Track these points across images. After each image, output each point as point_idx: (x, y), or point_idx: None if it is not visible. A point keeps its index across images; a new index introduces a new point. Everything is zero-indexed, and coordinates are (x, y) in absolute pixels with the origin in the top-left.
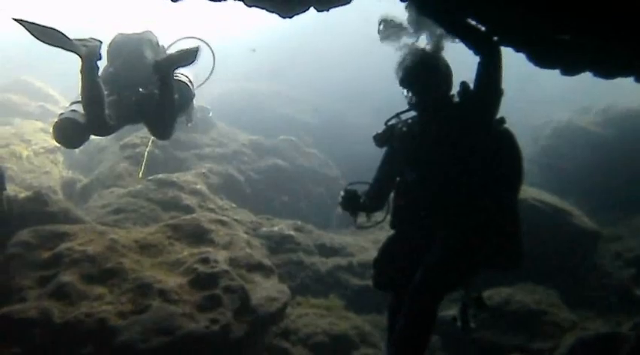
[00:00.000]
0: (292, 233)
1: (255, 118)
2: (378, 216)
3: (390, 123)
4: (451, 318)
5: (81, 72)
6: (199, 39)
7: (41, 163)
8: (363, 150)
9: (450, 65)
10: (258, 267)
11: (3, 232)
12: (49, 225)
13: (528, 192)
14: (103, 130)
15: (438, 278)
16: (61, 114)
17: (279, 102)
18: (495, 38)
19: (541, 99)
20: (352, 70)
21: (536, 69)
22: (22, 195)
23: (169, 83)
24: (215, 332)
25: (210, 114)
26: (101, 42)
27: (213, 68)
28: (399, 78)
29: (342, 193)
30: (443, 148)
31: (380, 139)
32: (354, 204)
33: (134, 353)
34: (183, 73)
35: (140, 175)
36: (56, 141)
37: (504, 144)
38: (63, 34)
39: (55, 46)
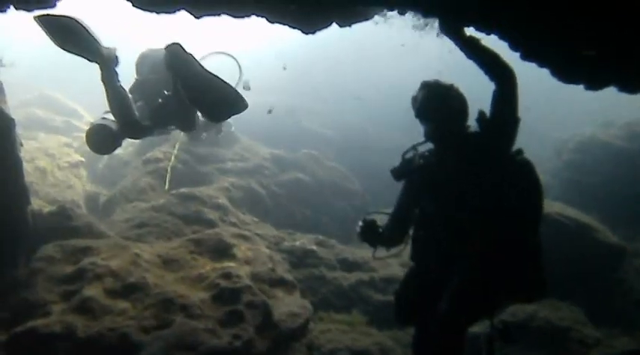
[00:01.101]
0: (314, 247)
1: (277, 132)
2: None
3: (406, 155)
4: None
5: (102, 80)
6: (228, 54)
7: (65, 177)
8: (384, 165)
9: (465, 96)
10: (280, 282)
11: (27, 247)
12: (72, 240)
13: (552, 206)
14: (136, 131)
15: (462, 311)
16: (92, 123)
17: (301, 115)
18: (518, 53)
19: (565, 113)
20: (374, 84)
21: (559, 84)
22: (47, 209)
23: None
24: (237, 348)
25: (233, 129)
26: (115, 48)
27: (238, 83)
28: (415, 111)
29: (360, 223)
30: (460, 180)
31: (397, 173)
32: (372, 234)
33: None
34: None
35: (167, 188)
36: (89, 147)
37: (523, 175)
38: (81, 23)
39: (74, 52)
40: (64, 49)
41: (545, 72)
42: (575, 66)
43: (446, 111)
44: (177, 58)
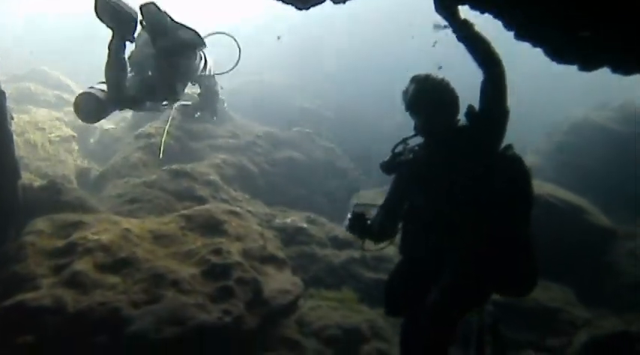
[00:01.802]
0: (305, 225)
1: (271, 110)
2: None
3: (396, 149)
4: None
5: (109, 47)
6: (227, 34)
7: (56, 152)
8: (378, 145)
9: (455, 90)
10: (271, 259)
11: (17, 220)
12: (63, 214)
13: (544, 188)
14: (123, 104)
15: (453, 304)
16: (82, 90)
17: (295, 94)
18: (512, 33)
19: (558, 95)
20: (373, 65)
21: (552, 65)
22: (37, 183)
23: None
24: (227, 324)
25: (225, 105)
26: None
27: (238, 61)
28: (405, 105)
29: (348, 215)
30: (450, 174)
31: (387, 167)
32: (360, 226)
33: (146, 343)
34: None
35: (160, 156)
36: (76, 114)
37: (513, 169)
38: None
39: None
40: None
41: (538, 52)
42: (570, 46)
43: (436, 105)
44: (151, 16)
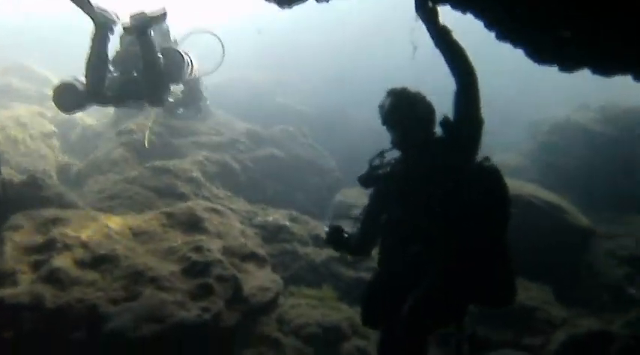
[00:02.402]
0: (287, 223)
1: (253, 107)
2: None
3: (373, 162)
4: None
5: (92, 39)
6: (211, 33)
7: (37, 147)
8: (359, 144)
9: (431, 103)
10: (251, 257)
11: None
12: (43, 210)
13: (526, 188)
14: (101, 99)
15: (427, 313)
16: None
17: (277, 91)
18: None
19: (540, 96)
20: (354, 64)
21: (535, 66)
22: (17, 179)
23: (149, 41)
24: (206, 321)
25: (208, 103)
26: (118, 20)
27: (222, 61)
28: (381, 119)
29: (325, 229)
30: (427, 187)
31: (365, 180)
32: (338, 240)
33: (124, 340)
34: (183, 51)
35: (146, 145)
36: (54, 103)
37: (490, 180)
38: None
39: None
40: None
41: (519, 54)
42: (550, 47)
43: (412, 118)
44: (141, 25)
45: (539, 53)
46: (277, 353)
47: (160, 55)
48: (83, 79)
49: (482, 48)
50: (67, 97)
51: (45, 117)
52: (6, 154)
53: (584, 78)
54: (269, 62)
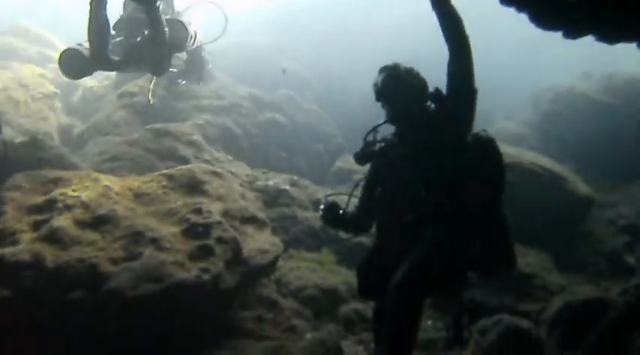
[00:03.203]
0: (288, 187)
1: (256, 72)
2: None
3: (368, 138)
4: (443, 328)
5: (90, 3)
6: (212, 2)
7: (39, 109)
8: (361, 109)
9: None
10: (251, 220)
11: None
12: (44, 170)
13: (526, 156)
14: (106, 64)
15: (421, 272)
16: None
17: (281, 57)
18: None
19: (543, 66)
20: (357, 30)
21: (539, 36)
22: (19, 139)
23: (156, 12)
24: (205, 282)
25: (210, 66)
26: None
27: (224, 30)
28: (375, 95)
29: (321, 205)
30: (423, 159)
31: (360, 157)
32: (333, 216)
33: (123, 300)
34: (185, 20)
35: (151, 100)
36: (60, 70)
37: (485, 149)
38: None
39: None
40: None
41: (523, 23)
42: (555, 12)
43: (405, 92)
44: None
45: (544, 19)
46: (276, 314)
47: (166, 27)
48: (87, 45)
49: (486, 18)
50: (73, 64)
51: (47, 78)
52: (7, 115)
53: (587, 46)
54: (271, 26)
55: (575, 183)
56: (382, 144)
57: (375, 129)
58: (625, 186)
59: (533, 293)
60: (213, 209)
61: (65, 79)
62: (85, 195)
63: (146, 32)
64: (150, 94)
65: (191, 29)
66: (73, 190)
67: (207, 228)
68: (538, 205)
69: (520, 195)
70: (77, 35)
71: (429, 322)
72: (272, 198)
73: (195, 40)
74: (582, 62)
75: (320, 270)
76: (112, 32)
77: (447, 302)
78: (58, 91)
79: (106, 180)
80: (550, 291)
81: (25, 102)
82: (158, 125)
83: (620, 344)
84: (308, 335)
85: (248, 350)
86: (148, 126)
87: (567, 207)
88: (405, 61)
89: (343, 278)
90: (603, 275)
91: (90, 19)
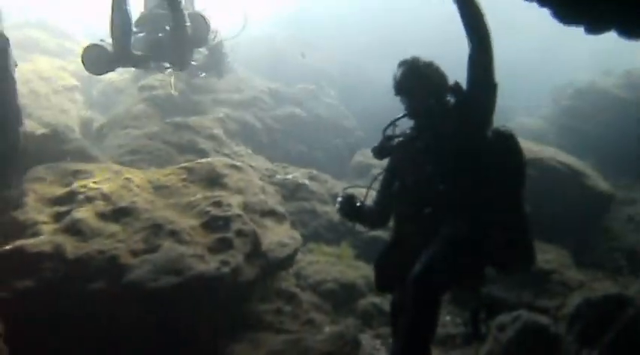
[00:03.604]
0: (307, 181)
1: (275, 66)
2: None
3: (386, 132)
4: (460, 323)
5: (112, 1)
6: None
7: (59, 102)
8: (381, 103)
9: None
10: (270, 213)
11: (19, 167)
12: (64, 162)
13: (546, 151)
14: (128, 60)
15: (440, 265)
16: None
17: (300, 50)
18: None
19: (564, 62)
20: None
21: (562, 30)
22: (40, 131)
23: (179, 8)
24: (225, 274)
25: (229, 59)
26: None
27: (245, 25)
28: (394, 89)
29: (339, 198)
30: (442, 154)
31: (379, 151)
32: (351, 208)
33: (144, 292)
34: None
35: (173, 91)
36: (83, 65)
37: (506, 144)
38: None
39: None
40: None
41: (545, 19)
42: (577, 7)
43: (424, 85)
44: None
45: (566, 13)
46: (294, 307)
47: (188, 21)
48: (110, 41)
49: (508, 13)
50: (97, 60)
51: (67, 71)
52: (29, 107)
53: (609, 43)
54: (290, 19)
55: (595, 179)
56: (401, 139)
57: (393, 123)
58: None
59: (552, 289)
60: (233, 202)
61: (86, 72)
62: (105, 188)
63: (168, 27)
64: (172, 87)
65: (212, 24)
66: (94, 182)
67: (226, 221)
68: (557, 201)
69: (540, 191)
70: (97, 29)
71: (448, 317)
72: (291, 191)
73: (216, 35)
74: (603, 59)
75: (339, 264)
76: (134, 28)
77: (465, 298)
78: (79, 84)
79: (127, 172)
80: (569, 287)
81: (46, 95)
82: (178, 118)
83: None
84: (327, 329)
85: (267, 343)
86: (168, 120)
87: (587, 203)
88: (426, 55)
89: (362, 272)
90: (622, 271)
91: (112, 15)
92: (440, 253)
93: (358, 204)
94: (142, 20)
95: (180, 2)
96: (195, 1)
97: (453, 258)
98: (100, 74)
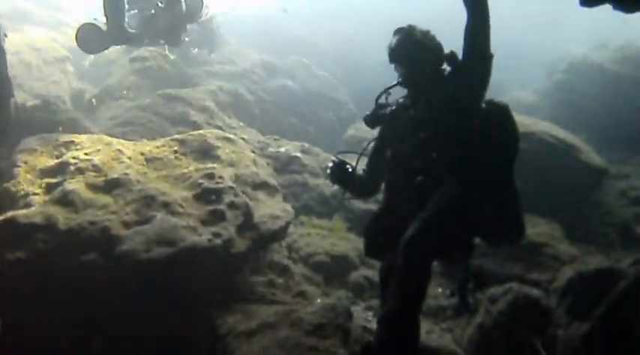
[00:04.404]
0: (299, 154)
1: (268, 38)
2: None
3: (379, 100)
4: (449, 294)
5: None
6: None
7: (51, 73)
8: (373, 75)
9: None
10: (262, 186)
11: (10, 138)
12: (56, 133)
13: (540, 125)
14: (123, 38)
15: (433, 227)
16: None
17: (293, 22)
18: None
19: (559, 36)
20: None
21: (556, 2)
22: (30, 103)
23: None
24: (217, 246)
25: (222, 31)
26: None
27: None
28: (389, 56)
29: (329, 164)
30: (435, 120)
31: (371, 119)
32: (343, 175)
33: (136, 263)
34: None
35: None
36: (78, 45)
37: (499, 115)
38: None
39: None
40: None
41: None
42: None
43: (420, 53)
44: None
45: None
46: (286, 279)
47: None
48: (103, 19)
49: None
50: (91, 39)
51: (58, 42)
52: (19, 78)
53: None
54: None
55: (588, 154)
56: (393, 107)
57: (386, 91)
58: (636, 158)
59: (544, 262)
60: (225, 174)
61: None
62: (97, 159)
63: (159, 4)
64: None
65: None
66: (86, 154)
67: (219, 193)
68: (550, 175)
69: (532, 165)
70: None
71: (439, 289)
72: (283, 164)
73: (208, 10)
74: (601, 32)
75: (330, 237)
76: (126, 5)
77: (455, 270)
78: (70, 55)
79: (118, 144)
80: (561, 261)
81: (37, 66)
82: (170, 90)
83: (631, 314)
84: (318, 301)
85: (259, 314)
86: (159, 91)
87: (580, 177)
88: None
89: (353, 244)
90: (614, 246)
91: None
92: (433, 216)
93: (349, 170)
94: None
95: None
96: None
97: (444, 222)
98: (95, 53)
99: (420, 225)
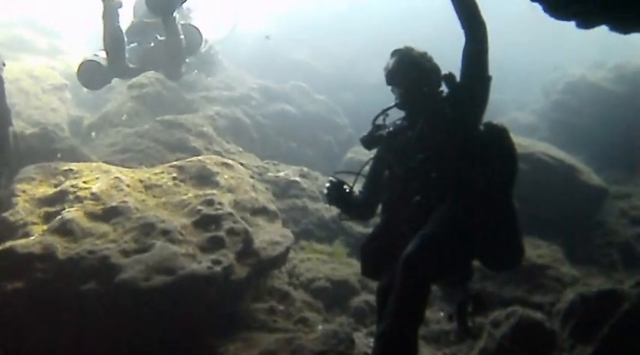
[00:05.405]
0: (298, 179)
1: (266, 62)
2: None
3: (377, 121)
4: (447, 317)
5: (103, 17)
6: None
7: (49, 100)
8: (371, 100)
9: (436, 63)
10: (262, 211)
11: (9, 168)
12: (54, 162)
13: (538, 146)
14: (124, 73)
15: (433, 245)
16: (85, 58)
17: (291, 47)
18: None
19: (556, 56)
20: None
21: (554, 24)
22: (29, 131)
23: (172, 22)
24: (217, 273)
25: (220, 56)
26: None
27: (234, 28)
28: (386, 78)
29: (327, 184)
30: (434, 141)
31: (368, 141)
32: (339, 194)
33: (135, 291)
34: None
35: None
36: (80, 82)
37: (498, 138)
38: None
39: None
40: None
41: (537, 11)
42: (568, 1)
43: (417, 74)
44: (166, 6)
45: (557, 8)
46: (287, 306)
47: (181, 34)
48: (104, 54)
49: (500, 6)
50: (94, 76)
51: (56, 69)
52: (18, 106)
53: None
54: (281, 16)
55: (588, 174)
56: (391, 129)
57: (384, 112)
58: (635, 178)
59: (546, 284)
60: (224, 200)
61: (74, 69)
62: (95, 187)
63: (159, 37)
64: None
65: (204, 34)
66: (84, 182)
67: (218, 220)
68: (550, 196)
69: (532, 186)
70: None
71: (441, 314)
72: (282, 189)
73: (207, 43)
74: (597, 53)
75: (331, 262)
76: (125, 39)
77: (454, 294)
78: (68, 83)
79: (117, 171)
80: (563, 283)
81: (35, 94)
82: (168, 116)
83: (634, 336)
84: (320, 327)
85: (260, 342)
86: (158, 118)
87: (579, 198)
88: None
89: (354, 269)
90: (616, 266)
91: (105, 31)
92: (432, 235)
93: (347, 190)
94: (133, 29)
95: (174, 17)
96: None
97: (444, 240)
98: (98, 89)
99: (421, 242)
